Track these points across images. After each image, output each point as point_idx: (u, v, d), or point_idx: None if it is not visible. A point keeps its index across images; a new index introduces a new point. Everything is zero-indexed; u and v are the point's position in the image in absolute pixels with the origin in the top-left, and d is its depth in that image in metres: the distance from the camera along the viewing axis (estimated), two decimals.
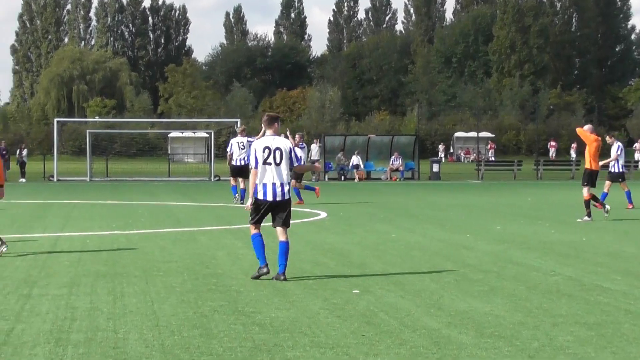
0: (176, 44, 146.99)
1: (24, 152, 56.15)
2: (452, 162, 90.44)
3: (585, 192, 23.60)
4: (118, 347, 8.72)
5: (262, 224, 13.19)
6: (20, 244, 17.48)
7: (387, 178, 54.65)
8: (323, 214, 25.48)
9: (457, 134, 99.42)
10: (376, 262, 15.06)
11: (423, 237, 19.35)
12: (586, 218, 23.43)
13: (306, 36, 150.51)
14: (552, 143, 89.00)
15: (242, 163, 28.15)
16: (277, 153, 12.97)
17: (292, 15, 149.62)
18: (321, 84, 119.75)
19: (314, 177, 53.40)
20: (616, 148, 26.31)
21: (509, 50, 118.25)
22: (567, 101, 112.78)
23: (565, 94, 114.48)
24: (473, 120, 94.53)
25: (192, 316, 10.25)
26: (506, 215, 25.73)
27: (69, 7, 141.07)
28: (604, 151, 25.86)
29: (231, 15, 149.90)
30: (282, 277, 12.70)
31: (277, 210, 13.03)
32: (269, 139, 13.10)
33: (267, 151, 12.95)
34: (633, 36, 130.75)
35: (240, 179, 28.93)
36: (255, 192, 13.01)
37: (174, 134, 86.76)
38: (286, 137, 22.80)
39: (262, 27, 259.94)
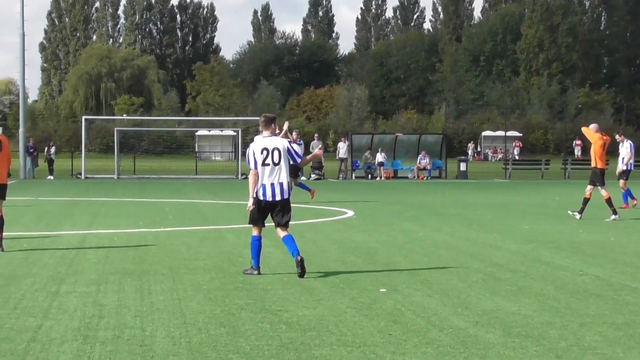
0: (204, 41, 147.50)
1: (52, 150, 56.52)
2: (479, 161, 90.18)
3: (604, 191, 23.50)
4: (145, 345, 8.74)
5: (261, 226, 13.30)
6: (48, 241, 17.58)
7: (415, 177, 54.58)
8: (350, 213, 25.48)
9: (485, 133, 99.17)
10: (403, 261, 15.03)
11: (450, 235, 19.29)
12: (613, 217, 23.34)
13: (334, 34, 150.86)
14: (578, 142, 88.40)
15: None
16: (275, 153, 13.10)
17: (320, 13, 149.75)
18: (348, 82, 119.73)
19: (341, 176, 53.40)
20: (628, 146, 26.71)
21: (537, 49, 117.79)
22: (596, 100, 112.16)
23: (593, 93, 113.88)
24: (500, 119, 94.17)
25: (219, 314, 10.27)
26: (534, 215, 25.61)
27: (97, 4, 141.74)
28: (612, 148, 26.02)
29: (259, 14, 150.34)
30: (299, 257, 12.87)
31: (277, 210, 13.12)
32: (266, 140, 13.22)
33: (265, 152, 13.08)
34: None
35: None
36: (258, 193, 13.11)
37: (201, 132, 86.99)
38: (283, 132, 22.71)
39: (290, 25, 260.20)
